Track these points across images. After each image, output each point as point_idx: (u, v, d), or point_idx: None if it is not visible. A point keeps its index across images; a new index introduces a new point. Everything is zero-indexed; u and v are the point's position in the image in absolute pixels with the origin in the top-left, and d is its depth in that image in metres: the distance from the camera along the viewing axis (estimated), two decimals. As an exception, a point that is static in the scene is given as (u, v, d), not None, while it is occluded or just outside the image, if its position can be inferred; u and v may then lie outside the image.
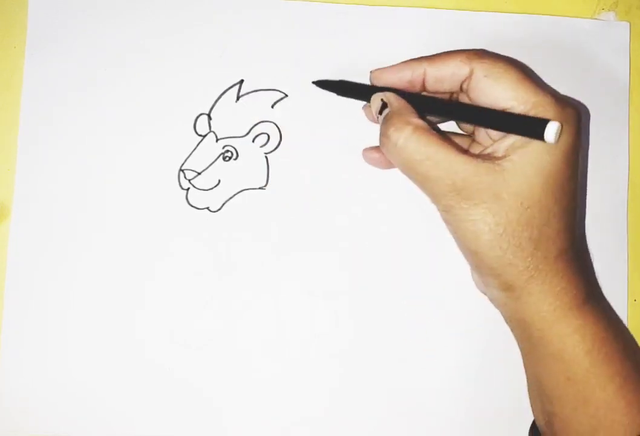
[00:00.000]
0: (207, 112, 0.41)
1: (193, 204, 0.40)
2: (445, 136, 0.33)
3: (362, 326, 0.41)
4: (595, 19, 0.44)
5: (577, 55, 0.43)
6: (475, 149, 0.36)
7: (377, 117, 0.35)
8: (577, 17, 0.43)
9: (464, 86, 0.34)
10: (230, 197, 0.41)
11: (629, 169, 0.43)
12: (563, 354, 0.33)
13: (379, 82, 0.36)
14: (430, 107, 0.35)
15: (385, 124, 0.33)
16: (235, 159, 0.41)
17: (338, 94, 0.39)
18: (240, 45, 0.41)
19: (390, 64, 0.36)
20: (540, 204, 0.31)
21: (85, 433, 0.39)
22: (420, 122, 0.33)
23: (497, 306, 0.35)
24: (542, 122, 0.30)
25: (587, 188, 0.42)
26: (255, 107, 0.41)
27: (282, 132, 0.41)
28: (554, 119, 0.31)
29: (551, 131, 0.30)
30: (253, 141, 0.41)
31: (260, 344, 0.40)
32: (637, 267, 0.42)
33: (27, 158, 0.40)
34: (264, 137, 0.41)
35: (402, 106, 0.34)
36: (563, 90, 0.42)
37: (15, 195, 0.40)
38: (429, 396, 0.41)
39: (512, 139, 0.32)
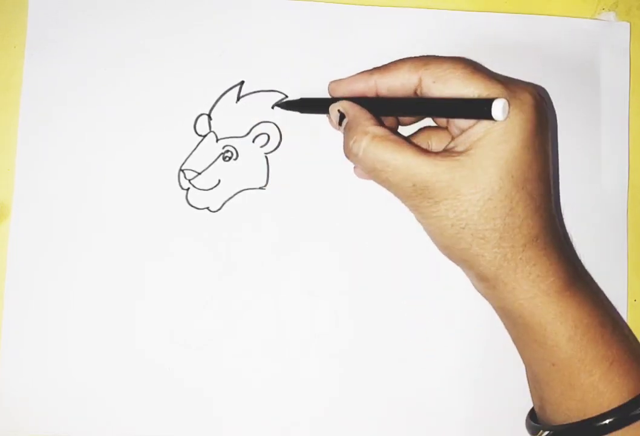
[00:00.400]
0: (208, 113, 0.41)
1: (193, 204, 0.40)
2: (403, 140, 0.33)
3: (362, 326, 0.41)
4: (596, 19, 0.44)
5: (577, 55, 0.43)
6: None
7: (339, 129, 0.36)
8: (577, 17, 0.43)
9: (418, 93, 0.35)
10: (230, 197, 0.41)
11: (629, 169, 0.43)
12: (546, 341, 0.33)
13: (336, 94, 0.37)
14: (386, 107, 0.36)
15: (345, 136, 0.35)
16: (235, 159, 0.41)
17: (301, 111, 0.40)
18: (240, 46, 0.41)
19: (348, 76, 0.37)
20: (500, 194, 0.32)
21: (85, 433, 0.39)
22: (376, 130, 0.34)
23: (483, 296, 0.36)
24: (488, 102, 0.30)
25: (587, 188, 0.42)
26: (256, 108, 0.41)
27: (282, 133, 0.41)
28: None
29: (497, 107, 0.30)
30: (253, 141, 0.41)
31: (260, 344, 0.40)
32: (637, 267, 0.42)
33: (27, 158, 0.40)
34: (264, 138, 0.41)
35: (358, 114, 0.35)
36: (562, 90, 0.43)
37: (15, 195, 0.40)
38: (429, 396, 0.41)
39: (472, 132, 0.32)
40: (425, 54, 0.36)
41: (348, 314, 0.41)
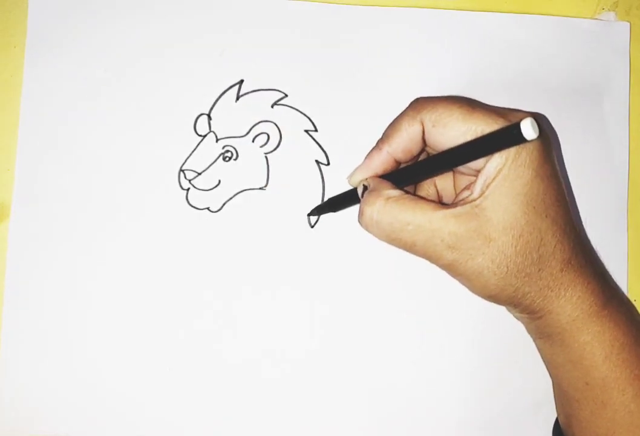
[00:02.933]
0: (207, 112, 0.41)
1: (193, 205, 0.40)
2: (420, 198, 0.33)
3: (362, 326, 0.41)
4: (595, 19, 0.44)
5: (577, 56, 0.43)
6: (460, 181, 0.37)
7: None
8: (577, 17, 0.43)
9: (425, 139, 0.34)
10: (231, 198, 0.41)
11: (629, 169, 0.43)
12: (582, 361, 0.33)
13: (357, 183, 0.36)
14: (409, 176, 0.35)
15: (361, 203, 0.34)
16: (235, 159, 0.41)
17: (334, 211, 0.39)
18: (240, 45, 0.41)
19: (360, 163, 0.36)
20: (529, 228, 0.32)
21: (85, 433, 0.39)
22: (392, 192, 0.33)
23: (519, 320, 0.36)
24: (516, 126, 0.30)
25: (587, 188, 0.42)
26: (255, 107, 0.41)
27: (282, 132, 0.41)
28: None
29: (526, 127, 0.29)
30: (253, 141, 0.41)
31: (260, 344, 0.40)
32: (637, 267, 0.42)
33: (27, 158, 0.40)
34: (263, 137, 0.41)
35: (377, 184, 0.34)
36: (563, 90, 0.43)
37: (14, 195, 0.40)
38: (430, 396, 0.41)
39: (484, 174, 0.32)
40: (418, 97, 0.35)
41: (348, 314, 0.41)
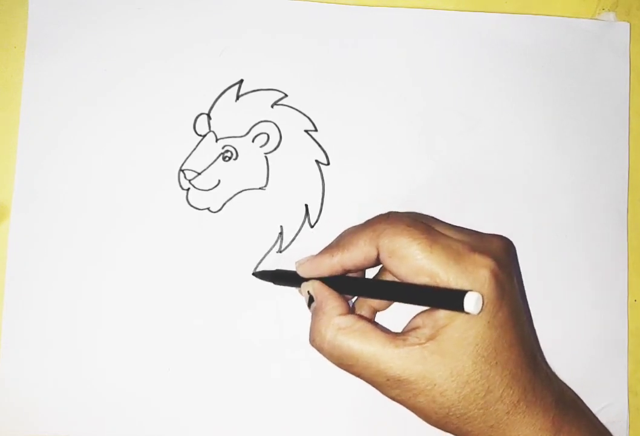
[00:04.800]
0: (207, 112, 0.41)
1: (193, 205, 0.40)
2: (370, 326, 0.33)
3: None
4: (595, 19, 0.44)
5: (577, 56, 0.43)
6: None
7: (309, 310, 0.36)
8: (577, 17, 0.43)
9: (381, 263, 0.34)
10: (231, 198, 0.41)
11: (629, 169, 0.43)
12: None
13: (306, 276, 0.36)
14: (357, 289, 0.36)
15: (311, 325, 0.34)
16: (235, 159, 0.41)
17: (274, 283, 0.39)
18: (240, 45, 0.41)
19: (316, 255, 0.36)
20: (476, 376, 0.32)
21: (85, 433, 0.39)
22: (342, 321, 0.33)
23: None
24: (460, 294, 0.30)
25: (588, 188, 0.42)
26: (255, 106, 0.41)
27: (282, 132, 0.41)
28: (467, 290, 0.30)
29: (470, 301, 0.29)
30: (253, 141, 0.41)
31: (261, 344, 0.40)
32: (637, 267, 0.42)
33: (27, 158, 0.40)
34: (263, 137, 0.41)
35: (325, 300, 0.34)
36: (563, 90, 0.43)
37: (14, 195, 0.40)
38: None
39: (438, 317, 0.32)
40: (381, 214, 0.35)
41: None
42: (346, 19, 0.42)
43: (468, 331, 0.31)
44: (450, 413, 0.32)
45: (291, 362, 0.40)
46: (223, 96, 0.41)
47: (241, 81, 0.41)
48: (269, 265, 0.40)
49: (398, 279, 0.34)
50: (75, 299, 0.40)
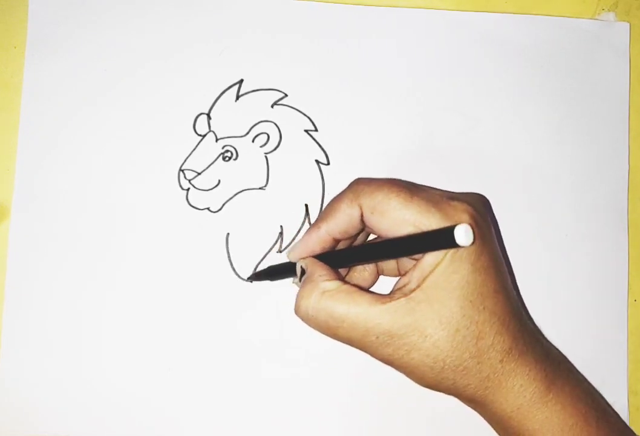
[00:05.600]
0: (207, 112, 0.41)
1: (193, 205, 0.40)
2: (356, 289, 0.33)
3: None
4: (595, 19, 0.44)
5: (577, 56, 0.43)
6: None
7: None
8: (577, 17, 0.43)
9: (365, 222, 0.34)
10: (231, 198, 0.41)
11: (629, 169, 0.43)
12: None
13: (298, 258, 0.36)
14: (346, 259, 0.36)
15: (297, 295, 0.34)
16: (235, 159, 0.41)
17: (271, 280, 0.39)
18: (240, 45, 0.41)
19: (299, 240, 0.36)
20: (466, 322, 0.32)
21: (85, 433, 0.39)
22: (328, 284, 0.33)
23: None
24: (449, 230, 0.29)
25: (588, 188, 0.42)
26: (255, 106, 0.41)
27: (282, 132, 0.41)
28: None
29: (460, 234, 0.29)
30: (253, 141, 0.41)
31: (261, 344, 0.40)
32: (638, 267, 0.42)
33: (27, 158, 0.40)
34: (263, 137, 0.41)
35: (314, 270, 0.34)
36: (563, 90, 0.43)
37: (15, 195, 0.40)
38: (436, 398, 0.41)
39: (422, 266, 0.32)
40: (358, 178, 0.35)
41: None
42: (346, 19, 0.42)
43: (452, 275, 0.31)
44: (446, 366, 0.32)
45: (291, 362, 0.40)
46: (223, 95, 0.41)
47: (241, 81, 0.41)
48: (268, 265, 0.40)
49: (384, 237, 0.34)
50: (75, 299, 0.40)
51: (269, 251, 0.40)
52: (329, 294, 0.32)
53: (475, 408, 0.35)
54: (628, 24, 0.43)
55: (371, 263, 0.38)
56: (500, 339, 0.32)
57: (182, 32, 0.41)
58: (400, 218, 0.32)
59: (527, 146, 0.42)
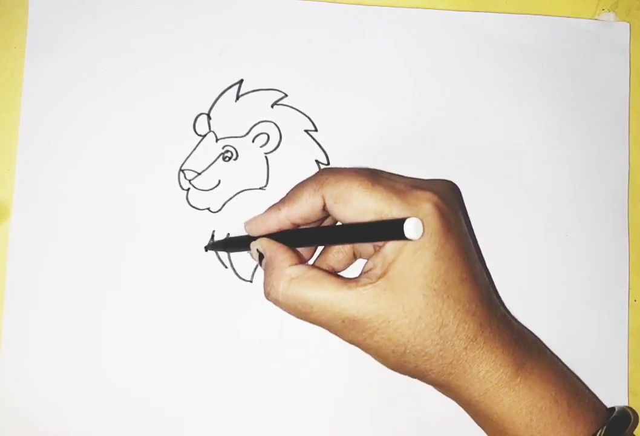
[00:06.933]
0: (207, 112, 0.41)
1: (193, 205, 0.40)
2: (322, 273, 0.33)
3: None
4: (596, 19, 0.44)
5: (577, 56, 0.43)
6: None
7: (261, 267, 0.36)
8: (577, 17, 0.43)
9: (328, 211, 0.34)
10: (231, 198, 0.41)
11: (629, 169, 0.43)
12: (506, 431, 0.34)
13: (255, 234, 0.37)
14: (303, 239, 0.36)
15: (264, 279, 0.34)
16: (235, 159, 0.41)
17: (227, 251, 0.40)
18: (240, 45, 0.41)
19: (262, 213, 0.36)
20: (429, 311, 0.32)
21: (85, 433, 0.39)
22: (293, 271, 0.33)
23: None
24: (399, 223, 0.29)
25: (588, 188, 0.42)
26: (255, 106, 0.41)
27: (282, 132, 0.41)
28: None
29: (409, 228, 0.29)
30: (253, 141, 0.41)
31: (261, 344, 0.40)
32: (638, 267, 0.42)
33: (27, 158, 0.40)
34: (263, 137, 0.41)
35: (274, 254, 0.34)
36: (563, 90, 0.43)
37: (15, 195, 0.40)
38: (431, 395, 0.41)
39: (385, 252, 0.32)
40: (325, 167, 0.36)
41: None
42: (346, 19, 0.42)
43: (416, 263, 0.31)
44: (407, 351, 0.32)
45: (291, 362, 0.40)
46: (223, 96, 0.41)
47: (241, 81, 0.41)
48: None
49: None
50: (76, 299, 0.40)
51: None
52: (295, 281, 0.33)
53: (444, 393, 0.35)
54: (628, 24, 0.43)
55: (328, 245, 0.38)
56: (464, 326, 0.32)
57: (182, 32, 0.41)
58: (362, 207, 0.32)
59: (527, 145, 0.42)
